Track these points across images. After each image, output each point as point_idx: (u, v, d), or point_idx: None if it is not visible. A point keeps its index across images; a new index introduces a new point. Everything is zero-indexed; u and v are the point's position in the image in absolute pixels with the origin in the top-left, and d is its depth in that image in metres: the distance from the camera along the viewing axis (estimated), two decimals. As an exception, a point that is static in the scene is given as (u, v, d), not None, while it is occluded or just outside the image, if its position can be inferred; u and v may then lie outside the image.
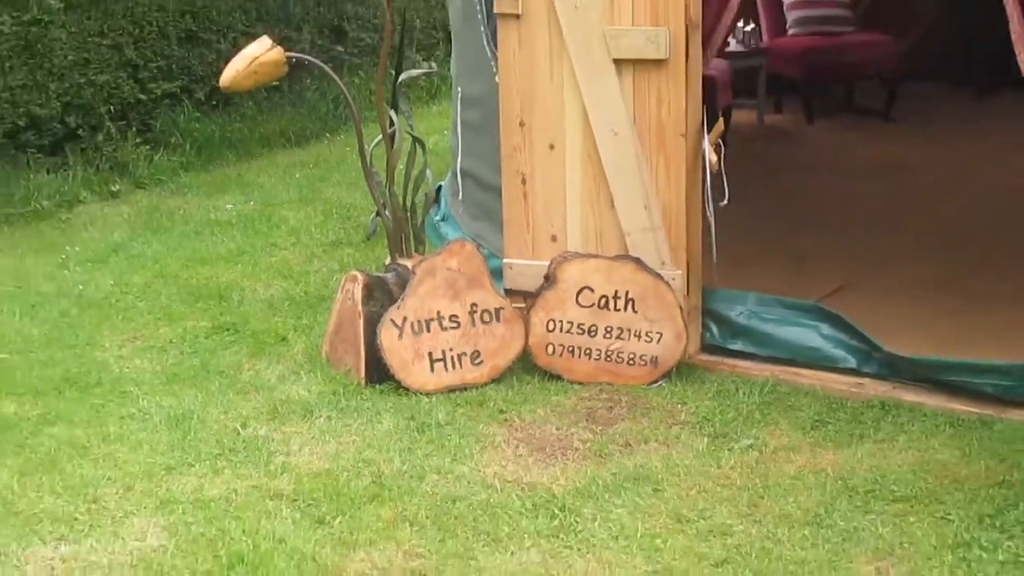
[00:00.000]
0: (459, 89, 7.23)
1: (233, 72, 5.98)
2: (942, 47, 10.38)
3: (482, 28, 6.56)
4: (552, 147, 6.03)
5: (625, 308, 5.84)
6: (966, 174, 8.52)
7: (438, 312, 5.84)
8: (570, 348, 5.90)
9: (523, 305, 5.97)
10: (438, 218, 7.56)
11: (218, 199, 8.83)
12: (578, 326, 5.88)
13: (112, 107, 9.20)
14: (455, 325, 5.86)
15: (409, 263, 6.05)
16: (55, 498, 5.00)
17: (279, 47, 6.03)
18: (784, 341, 5.94)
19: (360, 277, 6.01)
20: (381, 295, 5.95)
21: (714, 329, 6.09)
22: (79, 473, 5.19)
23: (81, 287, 7.28)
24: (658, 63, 5.77)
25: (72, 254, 7.83)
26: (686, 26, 5.72)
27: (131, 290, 7.21)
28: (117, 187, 9.02)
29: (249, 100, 9.96)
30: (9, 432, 5.56)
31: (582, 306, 5.88)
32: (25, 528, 4.79)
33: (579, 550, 4.57)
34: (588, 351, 5.89)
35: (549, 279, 5.93)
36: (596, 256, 5.95)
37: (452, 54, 7.50)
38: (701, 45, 5.82)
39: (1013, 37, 5.18)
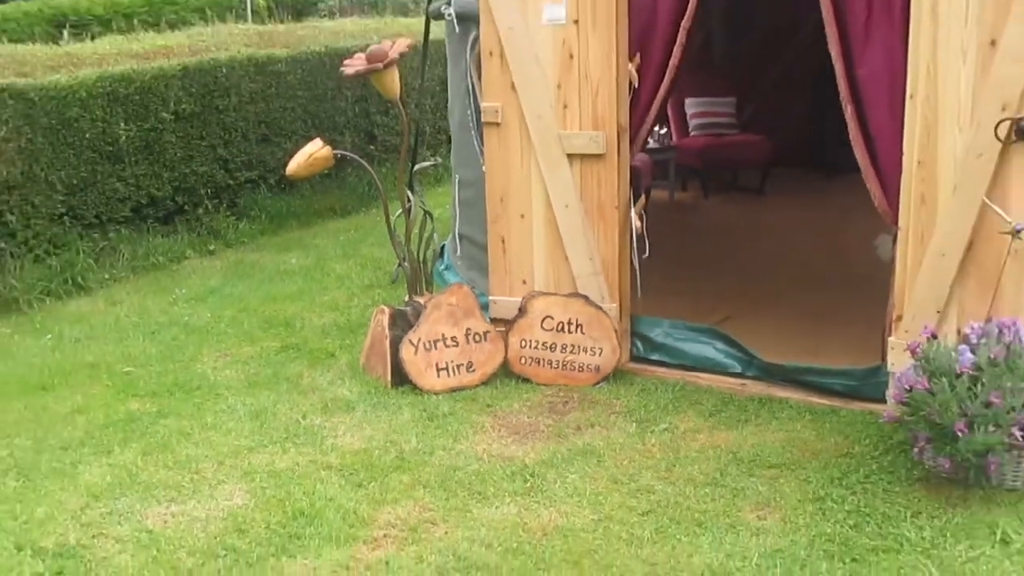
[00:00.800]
0: (457, 175, 7.25)
1: (295, 164, 5.99)
2: (802, 143, 10.45)
3: (473, 132, 6.58)
4: (523, 216, 6.04)
5: (576, 331, 5.84)
6: (819, 232, 8.56)
7: (443, 335, 5.84)
8: (537, 359, 5.90)
9: (503, 329, 5.97)
10: (442, 268, 7.55)
11: (285, 255, 8.83)
12: (542, 344, 5.88)
13: (209, 190, 9.19)
14: (455, 344, 5.85)
15: (422, 300, 6.05)
16: (167, 471, 4.99)
17: (328, 146, 6.04)
18: (689, 354, 5.95)
19: (387, 310, 6.01)
20: (402, 323, 5.95)
21: (639, 345, 6.09)
22: (185, 452, 5.18)
23: (187, 318, 7.26)
24: (598, 156, 5.78)
25: (180, 295, 7.81)
26: (618, 130, 5.74)
27: (223, 320, 7.19)
28: (212, 247, 9.01)
29: (307, 184, 9.97)
30: (134, 423, 5.55)
31: (545, 330, 5.87)
32: (145, 493, 4.78)
33: (544, 504, 4.57)
34: (549, 362, 5.88)
35: (522, 310, 5.94)
36: (555, 294, 5.95)
37: (452, 151, 7.52)
38: (628, 144, 5.85)
39: (851, 137, 5.23)
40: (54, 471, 5.05)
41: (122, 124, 8.34)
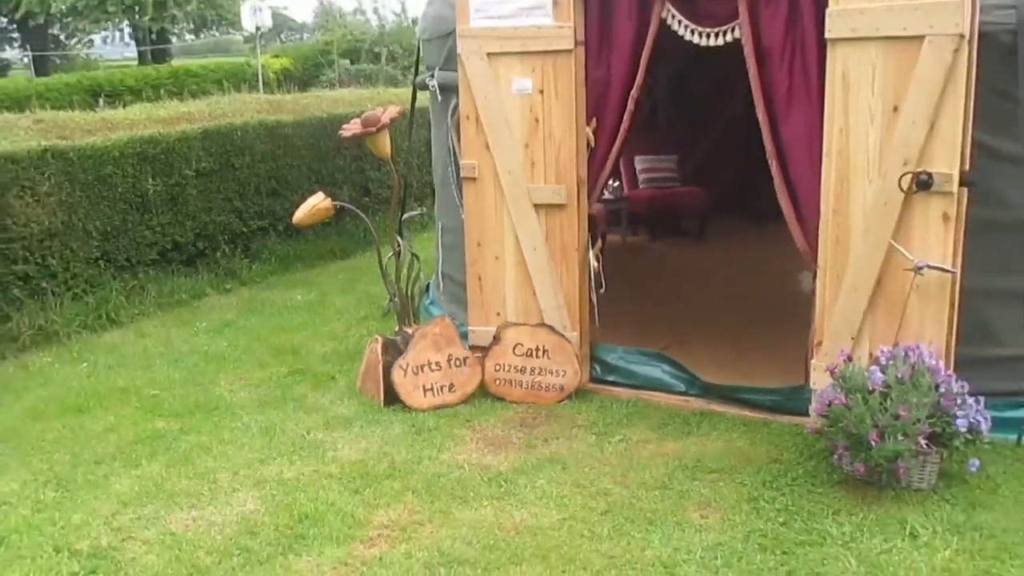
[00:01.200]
0: (440, 223, 7.25)
1: (301, 214, 5.99)
2: (734, 194, 10.49)
3: (453, 186, 6.58)
4: (497, 258, 6.04)
5: (543, 356, 5.83)
6: (750, 270, 8.59)
7: (428, 360, 5.81)
8: (509, 381, 5.88)
9: (481, 355, 5.95)
10: (428, 302, 7.54)
11: (292, 292, 8.79)
12: (514, 367, 5.87)
13: (226, 236, 9.14)
14: (439, 368, 5.83)
15: (410, 330, 6.03)
16: (189, 481, 4.94)
17: (329, 198, 6.04)
18: (640, 375, 5.95)
19: (380, 339, 5.99)
20: (393, 350, 5.93)
21: (597, 368, 6.08)
22: (204, 464, 5.13)
23: (206, 348, 7.20)
24: (561, 206, 5.80)
25: (200, 327, 7.75)
26: (577, 183, 5.76)
27: (238, 349, 7.14)
28: (229, 286, 8.96)
29: (311, 231, 9.92)
30: (160, 440, 5.49)
31: (516, 355, 5.86)
32: (169, 501, 4.73)
33: (516, 506, 4.55)
34: (520, 382, 5.86)
35: (496, 339, 5.92)
36: (525, 324, 5.94)
37: (435, 202, 7.52)
38: (587, 195, 5.87)
39: (776, 188, 5.27)
40: (89, 482, 4.98)
41: (150, 180, 8.31)
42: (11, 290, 7.36)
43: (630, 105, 5.70)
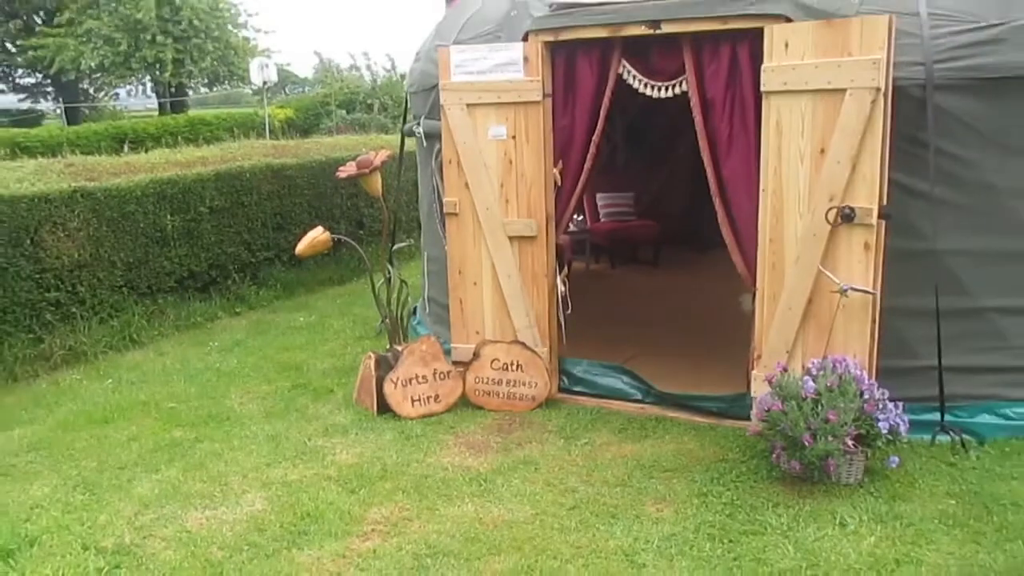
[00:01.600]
0: (425, 253, 7.24)
1: (302, 245, 5.97)
2: (683, 226, 10.54)
3: (437, 220, 6.59)
4: (476, 284, 6.03)
5: (517, 369, 5.82)
6: (697, 292, 8.62)
7: (416, 374, 5.79)
8: (487, 392, 5.86)
9: (462, 369, 5.93)
10: (415, 323, 7.51)
11: (295, 315, 8.73)
12: (492, 380, 5.85)
13: (236, 265, 9.09)
14: (425, 381, 5.80)
15: (400, 348, 6.00)
16: (203, 484, 4.89)
17: (327, 232, 6.02)
18: (603, 385, 5.94)
19: (373, 355, 5.96)
20: (385, 365, 5.90)
21: (565, 379, 6.07)
22: (216, 469, 5.07)
23: (218, 365, 7.13)
24: (532, 238, 5.81)
25: (213, 347, 7.68)
26: (546, 218, 5.78)
27: (247, 366, 7.07)
28: (239, 310, 8.89)
29: (312, 261, 9.88)
30: (177, 447, 5.42)
31: (494, 369, 5.85)
32: (185, 502, 4.67)
33: (495, 503, 4.53)
34: (498, 393, 5.85)
35: (475, 355, 5.91)
36: (501, 341, 5.93)
37: (421, 234, 7.51)
38: (555, 228, 5.88)
39: (719, 221, 5.30)
40: (113, 486, 4.91)
41: (168, 216, 8.25)
42: (44, 315, 7.28)
43: (592, 149, 5.74)
